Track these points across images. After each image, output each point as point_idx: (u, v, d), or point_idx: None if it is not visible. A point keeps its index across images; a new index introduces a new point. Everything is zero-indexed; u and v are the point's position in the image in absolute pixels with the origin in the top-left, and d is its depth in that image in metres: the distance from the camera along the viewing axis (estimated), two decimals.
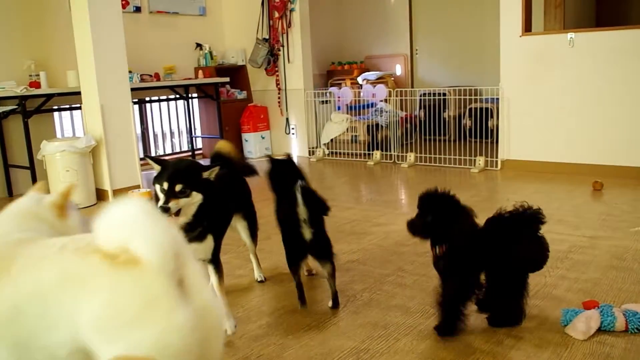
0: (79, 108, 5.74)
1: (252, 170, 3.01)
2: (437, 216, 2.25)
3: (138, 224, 1.25)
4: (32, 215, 1.57)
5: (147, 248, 1.23)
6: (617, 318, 2.23)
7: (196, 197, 2.17)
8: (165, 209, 2.09)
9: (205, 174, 2.22)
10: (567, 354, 2.10)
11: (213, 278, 2.35)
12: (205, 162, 2.91)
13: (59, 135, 6.09)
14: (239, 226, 2.90)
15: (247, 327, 2.46)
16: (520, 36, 5.37)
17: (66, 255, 1.33)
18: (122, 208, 1.26)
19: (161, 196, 2.14)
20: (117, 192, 5.13)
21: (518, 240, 2.19)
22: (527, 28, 5.42)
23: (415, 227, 2.33)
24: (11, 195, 5.56)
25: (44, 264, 1.33)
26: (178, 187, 2.13)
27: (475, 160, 5.67)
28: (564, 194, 4.54)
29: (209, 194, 2.21)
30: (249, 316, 2.58)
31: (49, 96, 5.36)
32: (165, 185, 2.13)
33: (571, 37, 5.10)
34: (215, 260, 2.37)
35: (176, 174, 2.16)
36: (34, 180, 5.19)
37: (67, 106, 5.95)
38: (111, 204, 1.25)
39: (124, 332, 1.22)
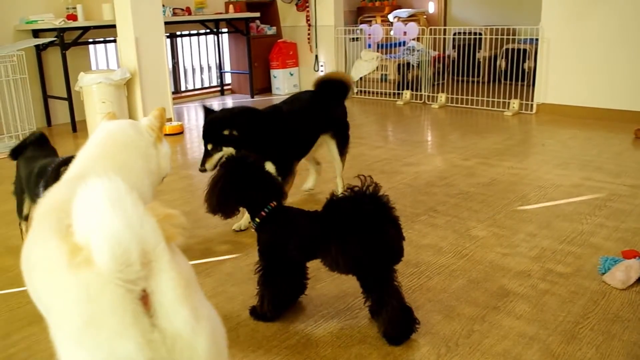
0: (114, 41, 5.79)
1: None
2: None
3: (96, 214, 0.92)
4: (135, 147, 1.57)
5: (98, 246, 0.92)
6: None
7: (227, 151, 2.48)
8: (203, 171, 2.44)
9: (226, 133, 2.53)
10: (605, 302, 2.11)
11: None
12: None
13: (94, 67, 6.16)
14: (327, 145, 3.25)
15: None
16: None
17: (51, 234, 1.12)
18: (90, 190, 0.94)
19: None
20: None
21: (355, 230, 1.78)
22: None
23: None
24: (50, 125, 5.72)
25: (33, 245, 1.19)
26: (209, 147, 2.50)
27: (509, 103, 5.59)
28: (603, 141, 4.47)
29: (245, 140, 2.48)
30: None
31: (85, 29, 5.41)
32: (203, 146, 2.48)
33: None
34: (282, 174, 2.76)
35: (207, 134, 2.52)
36: (72, 111, 5.35)
37: (102, 39, 5.99)
38: (87, 183, 0.95)
39: (63, 349, 0.97)
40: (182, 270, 1.00)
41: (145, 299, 0.94)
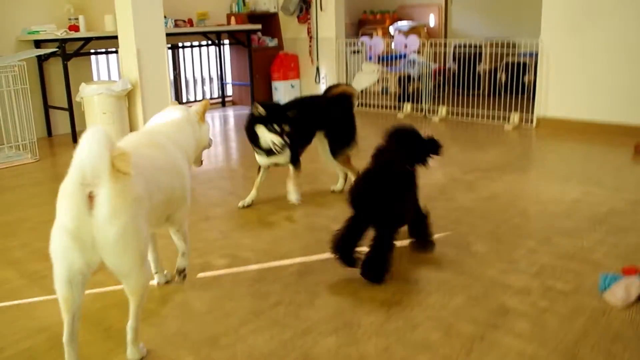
0: (115, 52, 5.81)
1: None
2: None
3: (80, 143, 1.60)
4: (186, 120, 2.30)
5: (73, 162, 1.61)
6: None
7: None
8: (285, 145, 3.25)
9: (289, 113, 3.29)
10: (605, 321, 2.09)
11: (291, 171, 3.46)
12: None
13: (95, 78, 6.19)
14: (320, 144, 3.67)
15: (282, 272, 2.54)
16: None
17: None
18: (90, 129, 1.63)
19: (274, 137, 3.23)
20: None
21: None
22: None
23: None
24: (50, 135, 5.73)
25: None
26: (286, 128, 3.22)
27: (509, 116, 5.60)
28: (602, 155, 4.47)
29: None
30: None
31: (87, 40, 5.43)
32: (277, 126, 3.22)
33: None
34: (293, 162, 3.45)
35: (281, 117, 3.25)
36: (72, 121, 5.36)
37: (104, 50, 6.01)
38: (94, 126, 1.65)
39: (56, 214, 1.69)
40: (116, 191, 1.62)
41: (91, 197, 1.60)
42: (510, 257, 2.65)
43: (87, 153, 1.57)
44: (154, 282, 2.45)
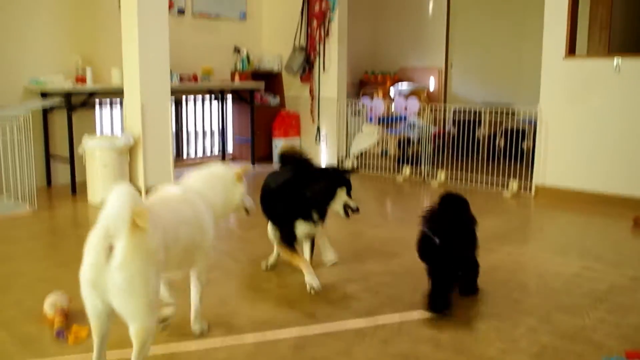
0: (120, 104, 5.86)
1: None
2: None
3: (109, 200, 1.87)
4: (220, 178, 2.54)
5: (101, 215, 1.88)
6: None
7: None
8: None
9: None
10: None
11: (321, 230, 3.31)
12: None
13: (97, 129, 6.19)
14: None
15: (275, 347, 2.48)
16: (564, 58, 5.28)
17: None
18: (115, 188, 1.90)
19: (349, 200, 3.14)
20: (150, 190, 5.21)
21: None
22: (571, 50, 5.32)
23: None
24: (49, 184, 5.70)
25: None
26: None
27: (508, 183, 5.62)
28: (601, 228, 4.47)
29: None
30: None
31: (93, 92, 5.47)
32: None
33: (618, 63, 5.01)
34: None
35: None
36: (73, 172, 5.35)
37: (108, 101, 6.06)
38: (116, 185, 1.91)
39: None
40: (131, 244, 1.87)
41: (111, 248, 1.86)
42: (510, 336, 2.61)
43: (111, 210, 1.84)
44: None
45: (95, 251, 1.88)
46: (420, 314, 2.83)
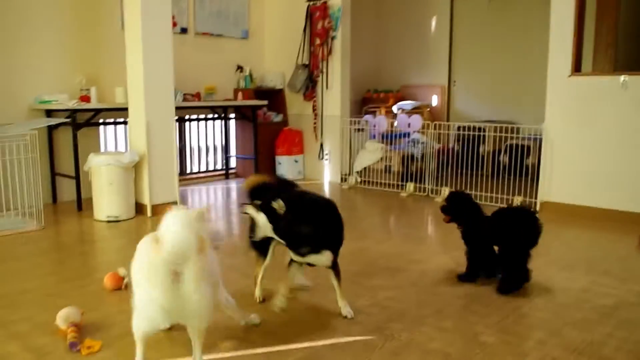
0: (123, 123, 5.91)
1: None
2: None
3: (166, 229, 1.99)
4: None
5: (164, 245, 1.98)
6: None
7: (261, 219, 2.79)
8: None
9: None
10: None
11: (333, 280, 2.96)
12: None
13: (102, 147, 6.26)
14: None
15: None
16: (569, 76, 5.29)
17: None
18: (174, 214, 2.02)
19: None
20: (155, 207, 5.24)
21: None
22: (577, 68, 5.33)
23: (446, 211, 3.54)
24: (55, 201, 5.75)
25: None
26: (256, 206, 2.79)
27: (512, 200, 5.62)
28: (608, 243, 4.45)
29: None
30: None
31: (98, 110, 5.53)
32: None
33: (624, 80, 5.02)
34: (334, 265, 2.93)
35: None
36: (79, 189, 5.40)
37: (112, 120, 6.11)
38: (176, 209, 2.07)
39: (136, 284, 2.14)
40: (198, 268, 2.06)
41: (176, 274, 2.02)
42: (520, 350, 2.59)
43: (179, 241, 1.98)
44: None
45: (163, 278, 2.01)
46: (429, 328, 2.82)
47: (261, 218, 2.72)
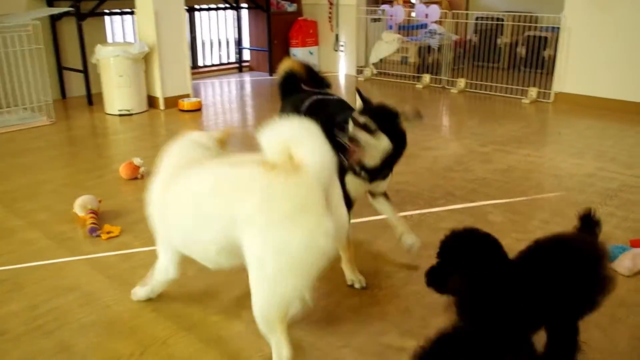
0: (130, 13, 5.71)
1: None
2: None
3: (308, 139, 1.52)
4: (200, 144, 1.94)
5: (312, 159, 1.50)
6: None
7: (383, 142, 2.13)
8: (352, 139, 2.06)
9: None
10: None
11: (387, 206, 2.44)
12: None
13: (109, 39, 6.06)
14: None
15: None
16: None
17: (222, 167, 1.70)
18: (290, 125, 1.54)
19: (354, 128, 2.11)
20: (167, 100, 5.26)
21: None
22: None
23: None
24: (64, 97, 5.63)
25: (201, 174, 1.72)
26: (372, 126, 2.10)
27: (527, 90, 5.59)
28: (618, 132, 4.48)
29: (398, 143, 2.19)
30: None
31: None
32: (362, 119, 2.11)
33: None
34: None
35: (375, 113, 2.16)
36: (87, 83, 5.29)
37: (118, 10, 5.86)
38: (277, 122, 1.54)
39: (274, 228, 1.51)
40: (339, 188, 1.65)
41: (326, 197, 1.53)
42: (524, 228, 2.73)
43: (323, 158, 1.52)
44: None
45: (323, 206, 1.53)
46: (440, 209, 2.95)
47: (382, 142, 2.13)
